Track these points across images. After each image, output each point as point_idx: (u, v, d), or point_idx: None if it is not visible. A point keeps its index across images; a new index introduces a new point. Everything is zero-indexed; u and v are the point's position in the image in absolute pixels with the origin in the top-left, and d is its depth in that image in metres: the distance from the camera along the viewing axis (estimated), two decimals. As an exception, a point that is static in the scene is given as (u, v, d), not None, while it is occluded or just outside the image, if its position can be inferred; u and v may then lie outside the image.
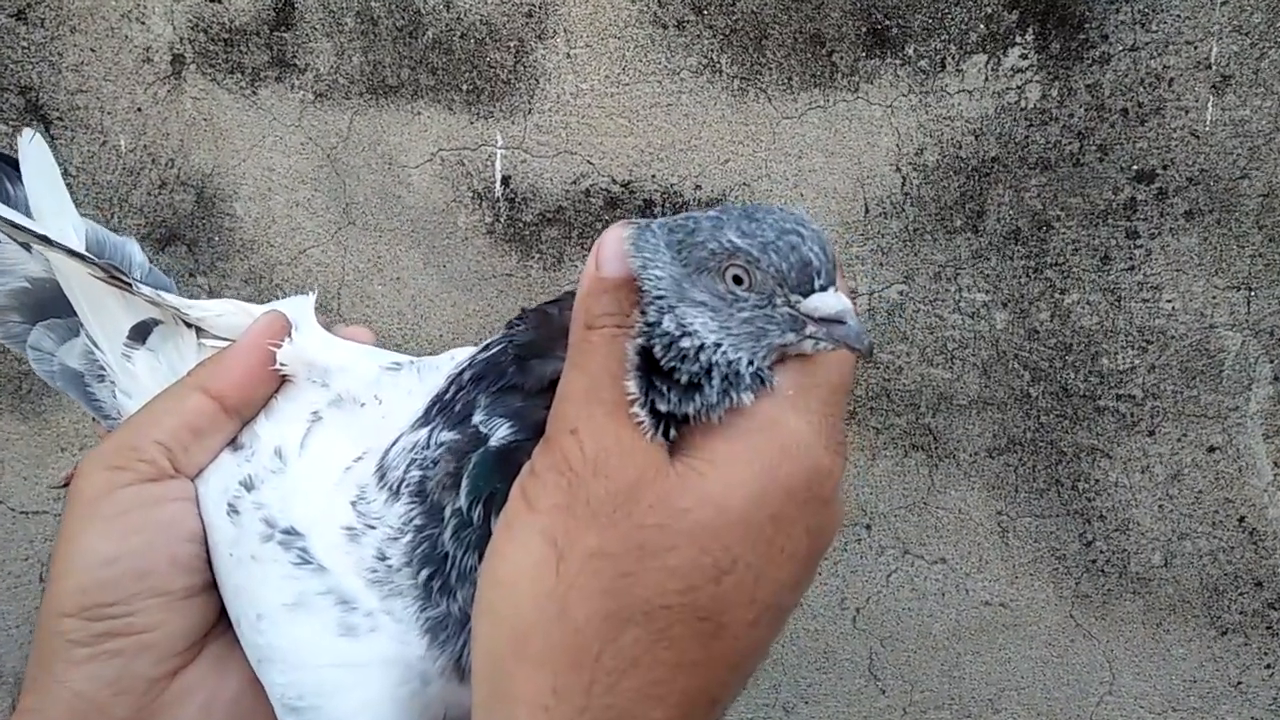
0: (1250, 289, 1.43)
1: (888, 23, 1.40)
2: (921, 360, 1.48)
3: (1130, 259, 1.43)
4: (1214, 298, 1.43)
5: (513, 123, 1.45)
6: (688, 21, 1.42)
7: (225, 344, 0.56)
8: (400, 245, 1.50)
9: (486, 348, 0.49)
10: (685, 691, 0.40)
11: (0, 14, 1.44)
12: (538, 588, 0.40)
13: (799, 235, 0.42)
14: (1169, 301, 1.44)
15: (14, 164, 0.60)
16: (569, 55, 1.44)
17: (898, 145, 1.43)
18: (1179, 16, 1.37)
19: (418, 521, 0.47)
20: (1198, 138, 1.40)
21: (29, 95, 1.47)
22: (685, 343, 0.42)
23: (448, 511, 0.46)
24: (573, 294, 0.44)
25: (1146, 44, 1.38)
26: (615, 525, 0.40)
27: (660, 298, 0.43)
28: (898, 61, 1.41)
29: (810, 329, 0.42)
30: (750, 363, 0.42)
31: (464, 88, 1.45)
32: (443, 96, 1.45)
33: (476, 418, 0.46)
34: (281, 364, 0.53)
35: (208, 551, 0.51)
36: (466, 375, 0.48)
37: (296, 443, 0.52)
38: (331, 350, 0.54)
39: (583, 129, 1.45)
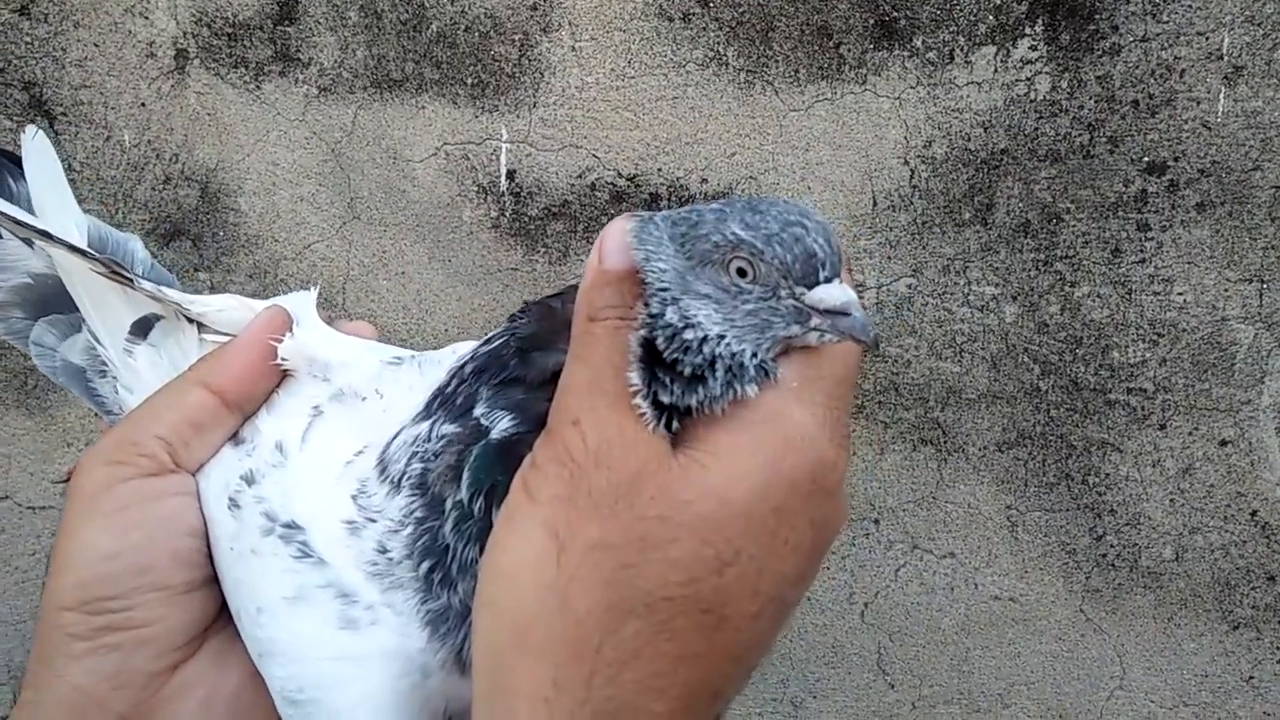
0: (1262, 281, 1.42)
1: (895, 14, 1.39)
2: (930, 354, 1.48)
3: (1141, 251, 1.43)
4: (1226, 290, 1.42)
5: (518, 116, 1.45)
6: (693, 14, 1.41)
7: (227, 339, 0.56)
8: (405, 240, 1.49)
9: (488, 341, 0.49)
10: (687, 683, 0.40)
11: (3, 9, 1.44)
12: (539, 579, 0.40)
13: (803, 227, 0.42)
14: (1180, 294, 1.43)
15: (17, 161, 0.60)
16: (574, 48, 1.43)
17: (906, 138, 1.43)
18: (1190, 7, 1.36)
19: (419, 514, 0.47)
20: (1209, 129, 1.39)
21: (33, 91, 1.47)
22: (688, 334, 0.42)
23: (449, 504, 0.46)
24: (576, 287, 0.44)
25: (1157, 35, 1.37)
26: (617, 516, 0.40)
27: (663, 290, 0.43)
28: (906, 53, 1.40)
29: (815, 321, 0.42)
30: (754, 355, 0.42)
31: (469, 81, 1.45)
32: (447, 90, 1.45)
33: (478, 410, 0.46)
34: (283, 359, 0.53)
35: (208, 546, 0.51)
36: (468, 368, 0.48)
37: (298, 437, 0.52)
38: (333, 345, 0.55)
39: (588, 122, 1.45)
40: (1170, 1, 1.36)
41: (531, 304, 0.49)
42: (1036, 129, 1.41)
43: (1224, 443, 1.47)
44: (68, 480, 0.52)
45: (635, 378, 0.42)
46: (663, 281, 0.43)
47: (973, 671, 1.57)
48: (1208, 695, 1.54)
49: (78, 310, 0.59)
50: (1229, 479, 1.47)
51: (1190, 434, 1.47)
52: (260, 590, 0.48)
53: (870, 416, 1.50)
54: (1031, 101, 1.40)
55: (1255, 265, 1.42)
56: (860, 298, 0.43)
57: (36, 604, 1.61)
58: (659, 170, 1.45)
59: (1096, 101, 1.40)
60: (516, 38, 1.43)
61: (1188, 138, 1.39)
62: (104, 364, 0.59)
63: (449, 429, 0.47)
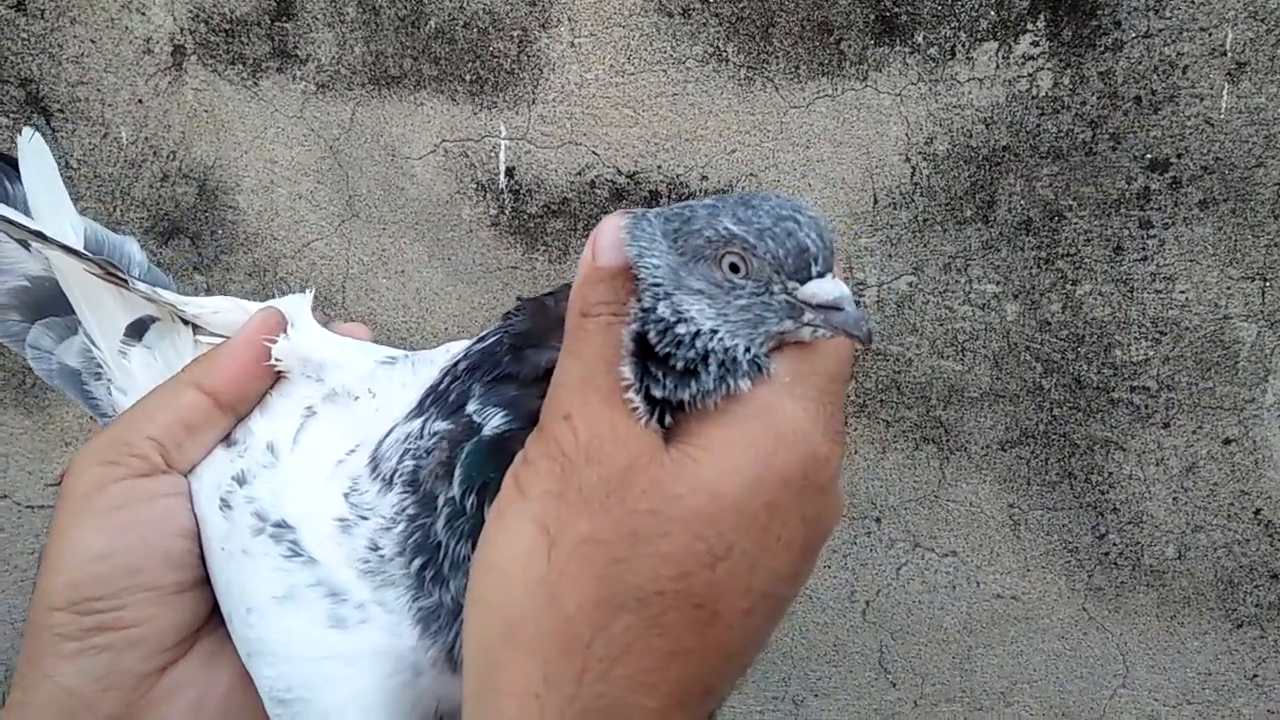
0: (1265, 279, 1.42)
1: (897, 10, 1.39)
2: (932, 352, 1.47)
3: (1143, 249, 1.42)
4: (1229, 288, 1.42)
5: (517, 113, 1.44)
6: (693, 9, 1.40)
7: (221, 341, 0.56)
8: (404, 238, 1.49)
9: (482, 339, 0.49)
10: (679, 680, 0.40)
11: (0, 5, 1.43)
12: (529, 575, 0.40)
13: (795, 222, 0.42)
14: (1183, 292, 1.43)
15: (13, 163, 0.61)
16: (573, 44, 1.42)
17: (907, 134, 1.42)
18: (1193, 2, 1.36)
19: (410, 511, 0.47)
20: (1212, 126, 1.38)
21: (29, 87, 1.46)
22: (681, 329, 0.42)
23: (440, 501, 0.46)
24: (570, 286, 0.44)
25: (1160, 30, 1.36)
26: (608, 511, 0.40)
27: (656, 285, 0.43)
28: (907, 49, 1.40)
29: (808, 316, 0.42)
30: (747, 349, 0.42)
31: (467, 78, 1.44)
32: (446, 87, 1.44)
33: (470, 407, 0.46)
34: (276, 360, 0.53)
35: (200, 547, 0.51)
36: (461, 366, 0.48)
37: (289, 437, 0.52)
38: (326, 346, 0.55)
39: (587, 119, 1.44)
40: (1173, -3, 1.36)
41: (525, 301, 0.49)
42: (1038, 125, 1.41)
43: (1227, 441, 1.46)
44: (61, 483, 0.52)
45: (627, 372, 0.42)
46: (656, 277, 0.43)
47: (975, 670, 1.57)
48: (1211, 693, 1.54)
49: (74, 313, 0.59)
50: (1232, 477, 1.47)
51: (1193, 432, 1.46)
52: (250, 590, 0.48)
53: (872, 415, 1.50)
54: (1033, 98, 1.40)
55: (1258, 263, 1.41)
56: (861, 296, 0.43)
57: (34, 603, 1.60)
58: (659, 167, 1.45)
59: (1099, 98, 1.39)
60: (515, 34, 1.43)
61: (1190, 134, 1.39)
62: (99, 366, 0.59)
63: (441, 426, 0.47)
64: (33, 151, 0.59)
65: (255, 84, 1.46)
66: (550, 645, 0.39)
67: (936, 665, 1.58)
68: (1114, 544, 1.51)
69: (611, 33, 1.42)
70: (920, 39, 1.39)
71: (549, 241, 1.47)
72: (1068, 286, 1.44)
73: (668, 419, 0.42)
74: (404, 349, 0.56)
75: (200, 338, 0.58)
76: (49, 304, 0.60)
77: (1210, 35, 1.36)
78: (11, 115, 1.47)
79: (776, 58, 1.41)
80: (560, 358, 0.43)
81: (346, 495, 0.48)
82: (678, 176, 1.45)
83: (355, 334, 0.58)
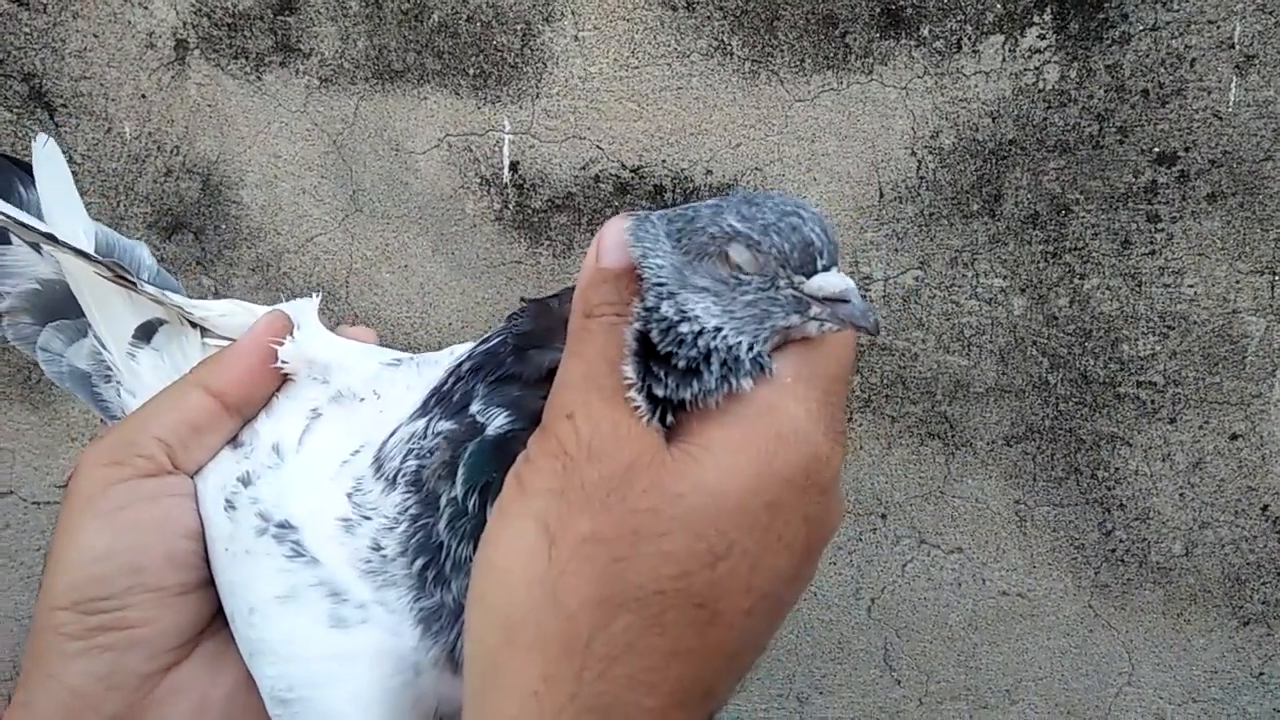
0: (1274, 273, 1.41)
1: (902, 2, 1.38)
2: (938, 347, 1.47)
3: (1151, 243, 1.41)
4: (1237, 282, 1.41)
5: (520, 107, 1.44)
6: (698, 3, 1.40)
7: (228, 343, 0.56)
8: (408, 232, 1.49)
9: (486, 340, 0.49)
10: (679, 679, 0.40)
11: (1, 0, 1.43)
12: (529, 573, 0.40)
13: (799, 217, 0.42)
14: (1191, 286, 1.42)
15: (28, 168, 0.62)
16: (577, 38, 1.42)
17: (913, 128, 1.41)
18: (1202, -6, 1.35)
19: (413, 511, 0.47)
20: (1220, 119, 1.37)
21: (32, 82, 1.46)
22: (684, 327, 0.42)
23: (443, 500, 0.46)
24: (573, 288, 0.45)
25: (1168, 23, 1.36)
26: (609, 510, 0.40)
27: (660, 285, 0.43)
28: (913, 42, 1.39)
29: (814, 310, 0.42)
30: (750, 347, 0.42)
31: (471, 72, 1.44)
32: (449, 81, 1.44)
33: (474, 407, 0.47)
34: (283, 362, 0.54)
35: (205, 549, 0.51)
36: (465, 367, 0.48)
37: (295, 439, 0.52)
38: (332, 348, 0.55)
39: (591, 113, 1.44)
40: (1182, -11, 1.35)
41: (529, 303, 0.49)
42: (1045, 119, 1.40)
43: (1235, 436, 1.46)
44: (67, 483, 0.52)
45: (629, 371, 0.42)
46: (659, 277, 0.43)
47: (980, 667, 1.57)
48: (1217, 691, 1.54)
49: (84, 316, 0.60)
50: (1240, 473, 1.47)
51: (1201, 428, 1.46)
52: (253, 590, 0.48)
53: (877, 410, 1.49)
54: (1040, 91, 1.39)
55: (1267, 257, 1.41)
56: (867, 290, 0.43)
57: (40, 599, 1.61)
58: (663, 161, 1.44)
59: (1106, 91, 1.38)
60: (519, 27, 1.42)
61: (1198, 127, 1.38)
62: (108, 368, 0.60)
63: (445, 426, 0.47)
64: (46, 157, 0.61)
65: (258, 78, 1.45)
66: (550, 644, 0.39)
67: (941, 662, 1.58)
68: (1120, 540, 1.51)
69: (615, 26, 1.41)
70: (926, 32, 1.39)
71: (553, 236, 1.47)
72: (1075, 281, 1.44)
73: (670, 418, 0.42)
74: (407, 344, 0.56)
75: (208, 340, 0.59)
76: (60, 307, 0.61)
77: (1218, 28, 1.35)
78: (15, 110, 1.47)
79: (781, 51, 1.41)
80: (563, 358, 0.44)
81: (350, 495, 0.49)
82: (682, 170, 1.45)
83: (361, 337, 0.58)
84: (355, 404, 0.53)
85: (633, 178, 1.45)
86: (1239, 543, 1.49)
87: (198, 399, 0.52)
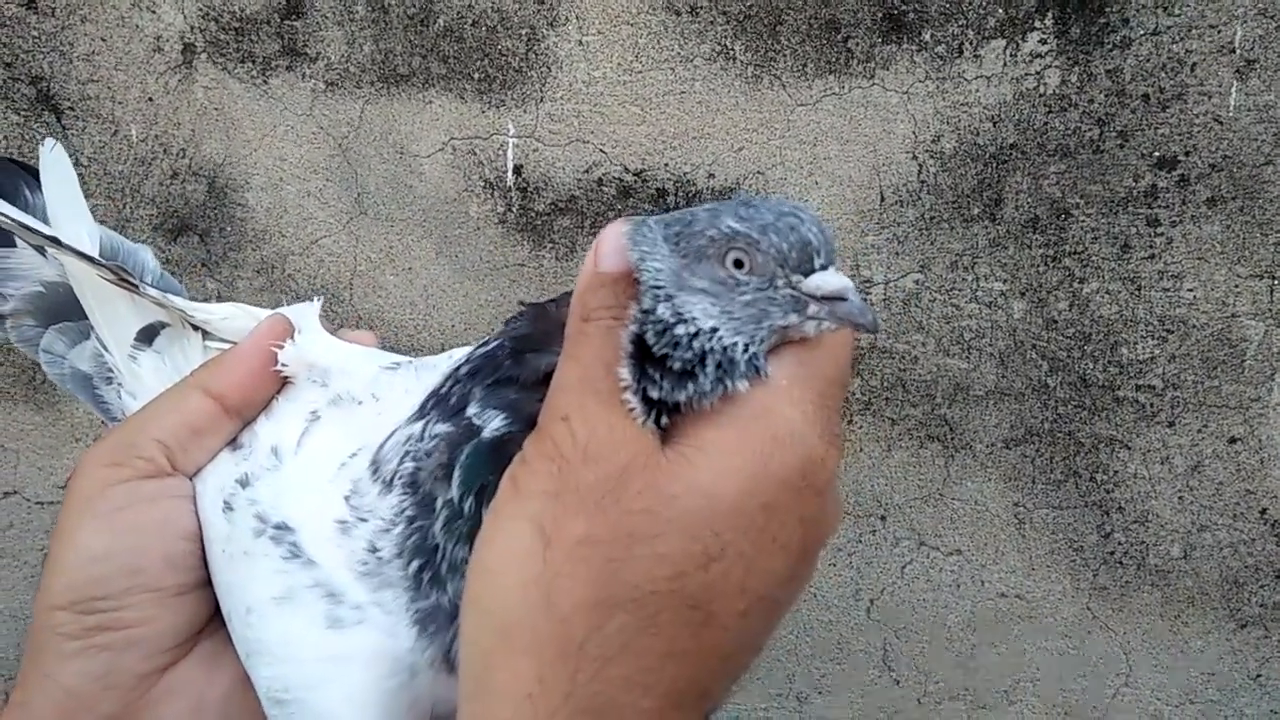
0: (1273, 277, 1.41)
1: (904, 7, 1.38)
2: (938, 350, 1.47)
3: (1151, 247, 1.42)
4: (1236, 286, 1.41)
5: (524, 111, 1.44)
6: (701, 7, 1.40)
7: (230, 346, 0.57)
8: (412, 235, 1.49)
9: (484, 344, 0.49)
10: (674, 681, 0.40)
11: (11, 3, 1.44)
12: (524, 575, 0.40)
13: (796, 217, 0.43)
14: (1190, 290, 1.42)
15: (34, 172, 0.62)
16: (581, 42, 1.42)
17: (914, 132, 1.42)
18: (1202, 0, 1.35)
19: (409, 513, 0.47)
20: (1221, 124, 1.37)
21: (40, 85, 1.47)
22: (679, 329, 0.42)
23: (439, 503, 0.46)
24: (571, 292, 0.45)
25: (1169, 28, 1.36)
26: (604, 511, 0.40)
27: (657, 288, 0.43)
28: (914, 47, 1.39)
29: (812, 309, 0.42)
30: (746, 348, 0.42)
31: (475, 76, 1.44)
32: (454, 85, 1.45)
33: (471, 410, 0.47)
34: (283, 365, 0.54)
35: (203, 550, 0.51)
36: (463, 370, 0.49)
37: (294, 441, 0.52)
38: (332, 352, 0.55)
39: (595, 117, 1.44)
40: (1182, -5, 1.36)
41: (527, 306, 0.49)
42: (1046, 123, 1.40)
43: (1233, 440, 1.46)
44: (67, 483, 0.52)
45: (625, 373, 0.42)
46: (657, 280, 0.43)
47: (978, 668, 1.57)
48: (1214, 693, 1.54)
49: (87, 318, 0.60)
50: (1238, 476, 1.47)
51: (1199, 431, 1.46)
52: (250, 591, 0.48)
53: (877, 413, 1.50)
54: (1041, 96, 1.39)
55: (1266, 261, 1.41)
56: (867, 293, 0.44)
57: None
58: (666, 165, 1.45)
59: (1106, 95, 1.38)
60: (523, 32, 1.43)
61: (1199, 132, 1.38)
62: (110, 371, 0.60)
63: (441, 428, 0.47)
64: (53, 161, 0.61)
65: (265, 82, 1.46)
66: (545, 646, 0.39)
67: (940, 663, 1.58)
68: (1119, 543, 1.51)
69: (619, 31, 1.42)
70: (928, 37, 1.39)
71: (556, 239, 1.48)
72: (1075, 284, 1.44)
73: (665, 420, 0.42)
74: (411, 346, 0.57)
75: (209, 343, 0.59)
76: (63, 309, 0.61)
77: (1219, 32, 1.35)
78: (23, 113, 1.48)
79: (784, 55, 1.41)
80: (560, 361, 0.44)
81: (347, 498, 0.49)
82: (685, 174, 1.45)
83: (362, 340, 0.58)
84: (354, 407, 0.53)
85: (635, 181, 1.46)
86: (1237, 546, 1.49)
87: (198, 401, 0.52)
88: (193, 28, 1.45)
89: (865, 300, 0.43)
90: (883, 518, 1.53)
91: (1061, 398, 1.47)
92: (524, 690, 0.39)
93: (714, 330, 0.42)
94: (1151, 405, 1.46)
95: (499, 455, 0.45)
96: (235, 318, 0.58)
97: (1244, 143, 1.38)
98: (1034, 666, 1.56)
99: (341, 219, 1.50)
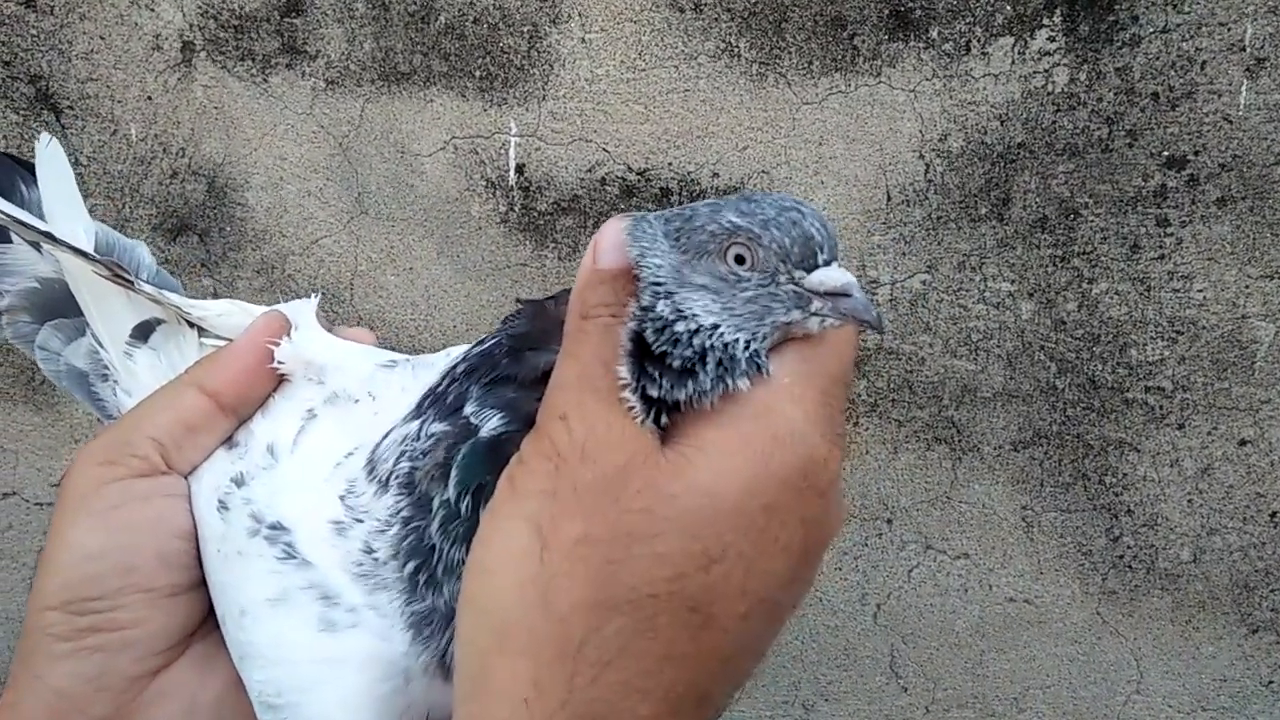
0: (1285, 278, 1.40)
1: (911, 4, 1.38)
2: (945, 351, 1.46)
3: (1160, 247, 1.41)
4: (1246, 287, 1.41)
5: (527, 110, 1.44)
6: (705, 4, 1.39)
7: (226, 343, 0.56)
8: (413, 235, 1.49)
9: (482, 342, 0.48)
10: (673, 685, 0.39)
11: (9, 2, 1.43)
12: (521, 576, 0.39)
13: (799, 212, 0.42)
14: (1200, 291, 1.41)
15: (30, 167, 0.62)
16: (584, 40, 1.42)
17: (921, 131, 1.41)
18: (1212, -3, 1.34)
19: (405, 513, 0.46)
20: (1231, 123, 1.37)
21: (39, 84, 1.46)
22: (679, 326, 0.42)
23: (436, 503, 0.45)
24: (570, 290, 0.44)
25: (1178, 26, 1.35)
26: (602, 511, 0.39)
27: (657, 284, 0.42)
28: (921, 45, 1.39)
29: (815, 305, 0.42)
30: (747, 345, 0.42)
31: (477, 74, 1.43)
32: (455, 83, 1.44)
33: (468, 409, 0.46)
34: (279, 362, 0.53)
35: (197, 550, 0.51)
36: (460, 369, 0.48)
37: (289, 439, 0.52)
38: (329, 349, 0.55)
39: (598, 116, 1.43)
40: (1192, -8, 1.35)
41: (525, 304, 0.49)
42: (1054, 122, 1.39)
43: (1243, 442, 1.45)
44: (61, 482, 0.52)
45: (624, 371, 0.41)
46: (657, 276, 0.42)
47: (987, 675, 1.56)
48: (1226, 699, 1.53)
49: (82, 315, 0.60)
50: (1248, 479, 1.46)
51: (1209, 433, 1.45)
52: (244, 592, 0.48)
53: (884, 415, 1.49)
54: (1049, 94, 1.39)
55: (1277, 261, 1.40)
56: (874, 294, 0.43)
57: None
58: (670, 164, 1.44)
59: (1115, 94, 1.38)
60: (525, 29, 1.42)
61: (1208, 131, 1.37)
62: (106, 368, 0.59)
63: (438, 427, 0.47)
64: (49, 156, 0.61)
65: (264, 80, 1.45)
66: (542, 648, 0.38)
67: (948, 670, 1.57)
68: (1128, 547, 1.50)
69: (622, 28, 1.41)
70: (935, 34, 1.38)
71: (558, 239, 1.47)
72: (1083, 285, 1.43)
73: (664, 419, 0.42)
74: (412, 346, 0.56)
75: (205, 340, 0.58)
76: (58, 306, 0.61)
77: (1229, 30, 1.35)
78: (21, 112, 1.47)
79: (789, 53, 1.40)
80: (559, 359, 0.43)
81: (343, 497, 0.48)
82: (689, 173, 1.44)
83: (359, 338, 0.58)
84: (350, 405, 0.52)
85: (639, 180, 1.45)
86: (1247, 549, 1.48)
87: (193, 399, 0.52)
88: (192, 26, 1.44)
89: (870, 299, 0.42)
90: (889, 521, 1.52)
91: (1070, 399, 1.46)
92: (520, 694, 0.38)
93: (715, 327, 0.42)
94: (1161, 407, 1.45)
95: (496, 455, 0.44)
96: (231, 314, 0.58)
97: (1254, 142, 1.37)
98: (1044, 673, 1.55)
99: (342, 219, 1.49)
